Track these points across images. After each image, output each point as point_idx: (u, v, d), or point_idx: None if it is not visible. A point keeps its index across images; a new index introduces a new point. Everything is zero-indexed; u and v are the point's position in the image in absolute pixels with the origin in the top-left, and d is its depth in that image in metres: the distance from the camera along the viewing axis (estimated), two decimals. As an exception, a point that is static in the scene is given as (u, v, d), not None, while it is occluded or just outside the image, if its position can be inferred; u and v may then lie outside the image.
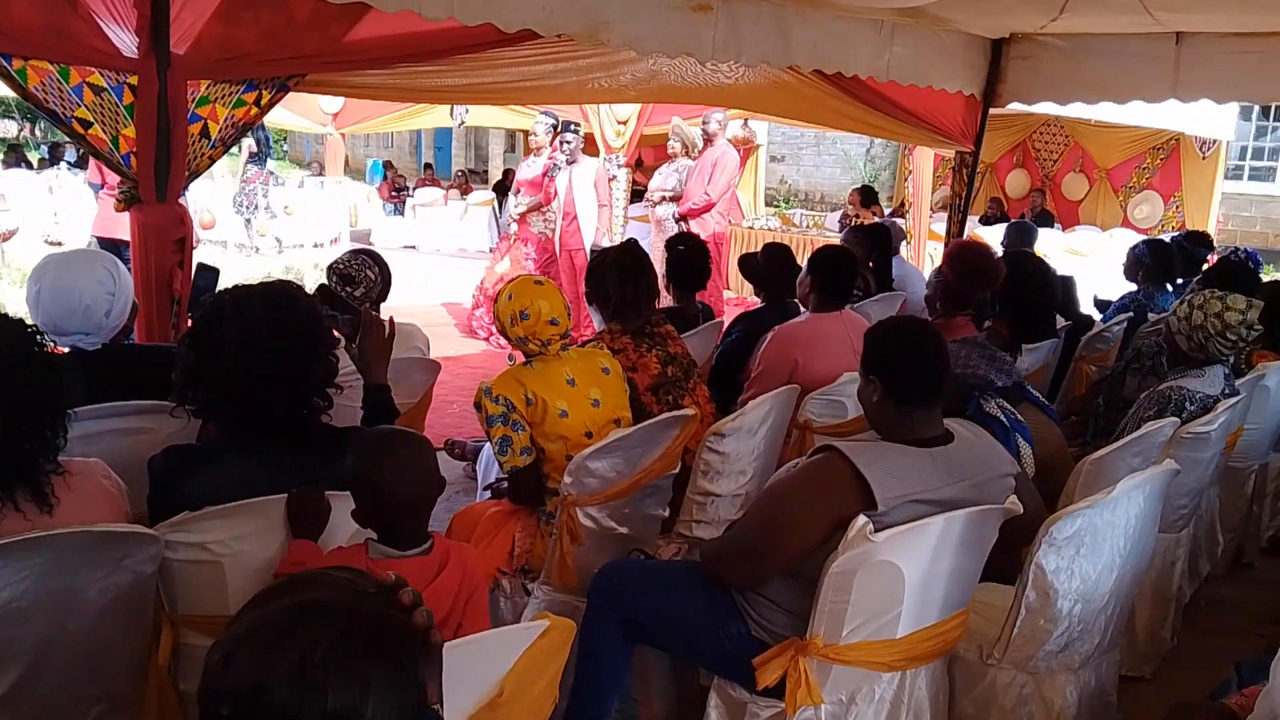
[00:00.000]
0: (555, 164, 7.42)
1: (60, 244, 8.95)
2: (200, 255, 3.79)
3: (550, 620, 1.60)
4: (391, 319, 2.59)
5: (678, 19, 3.93)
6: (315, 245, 10.75)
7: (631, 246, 3.44)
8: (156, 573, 1.87)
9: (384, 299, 3.48)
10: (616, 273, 3.22)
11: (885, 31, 4.84)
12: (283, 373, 1.95)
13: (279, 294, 2.03)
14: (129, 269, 2.87)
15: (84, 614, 1.73)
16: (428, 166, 17.98)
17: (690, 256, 4.23)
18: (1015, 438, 2.79)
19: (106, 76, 2.89)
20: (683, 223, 7.49)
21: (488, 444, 3.77)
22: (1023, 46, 5.52)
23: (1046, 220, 11.38)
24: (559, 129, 7.51)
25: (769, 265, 4.34)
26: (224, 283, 3.62)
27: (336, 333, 2.20)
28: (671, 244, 4.32)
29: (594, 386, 2.79)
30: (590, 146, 7.70)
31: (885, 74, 4.90)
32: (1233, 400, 3.12)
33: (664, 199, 7.75)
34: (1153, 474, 2.35)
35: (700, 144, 7.70)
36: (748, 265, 4.58)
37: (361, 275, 3.36)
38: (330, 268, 3.41)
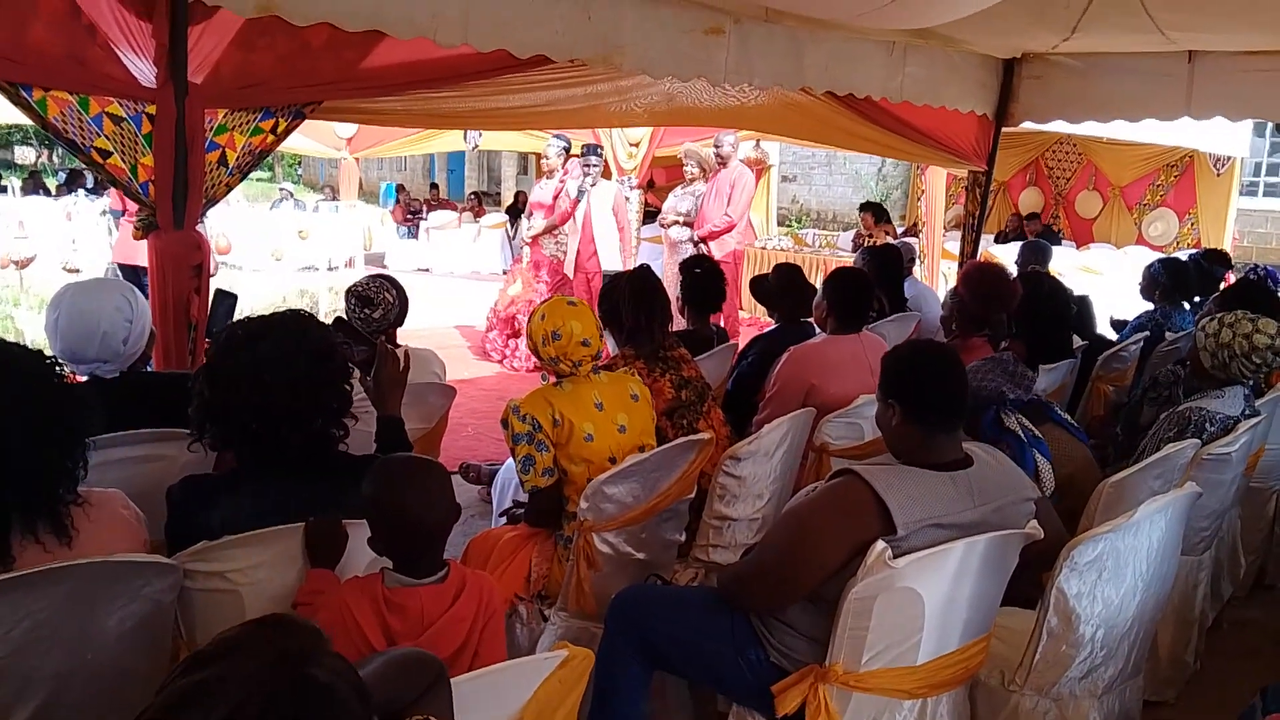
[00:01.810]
0: (566, 189, 7.44)
1: (78, 271, 9.00)
2: (218, 281, 3.82)
3: (569, 650, 1.60)
4: (406, 351, 2.60)
5: (690, 42, 3.95)
6: (330, 268, 10.80)
7: (644, 271, 3.44)
8: (175, 602, 1.87)
9: (401, 323, 3.50)
10: (629, 297, 3.22)
11: (897, 52, 4.86)
12: (296, 407, 1.96)
13: (292, 326, 2.03)
14: (148, 295, 2.90)
15: (103, 644, 1.73)
16: (434, 186, 18.05)
17: (706, 279, 4.23)
18: (1032, 453, 2.78)
19: (125, 106, 2.92)
20: (702, 245, 7.51)
21: (503, 468, 3.80)
22: (1035, 66, 5.54)
23: (1051, 239, 11.34)
24: (583, 152, 7.56)
25: (781, 287, 4.33)
26: (243, 307, 3.66)
27: (351, 363, 2.20)
28: (687, 267, 4.32)
29: (621, 411, 2.78)
30: (603, 169, 7.74)
31: (899, 95, 4.92)
32: (1253, 421, 3.09)
33: (676, 222, 7.77)
34: (1174, 497, 2.33)
35: (715, 164, 7.73)
36: (759, 288, 4.57)
37: (380, 298, 3.38)
38: (349, 291, 3.44)
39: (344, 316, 3.39)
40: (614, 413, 2.76)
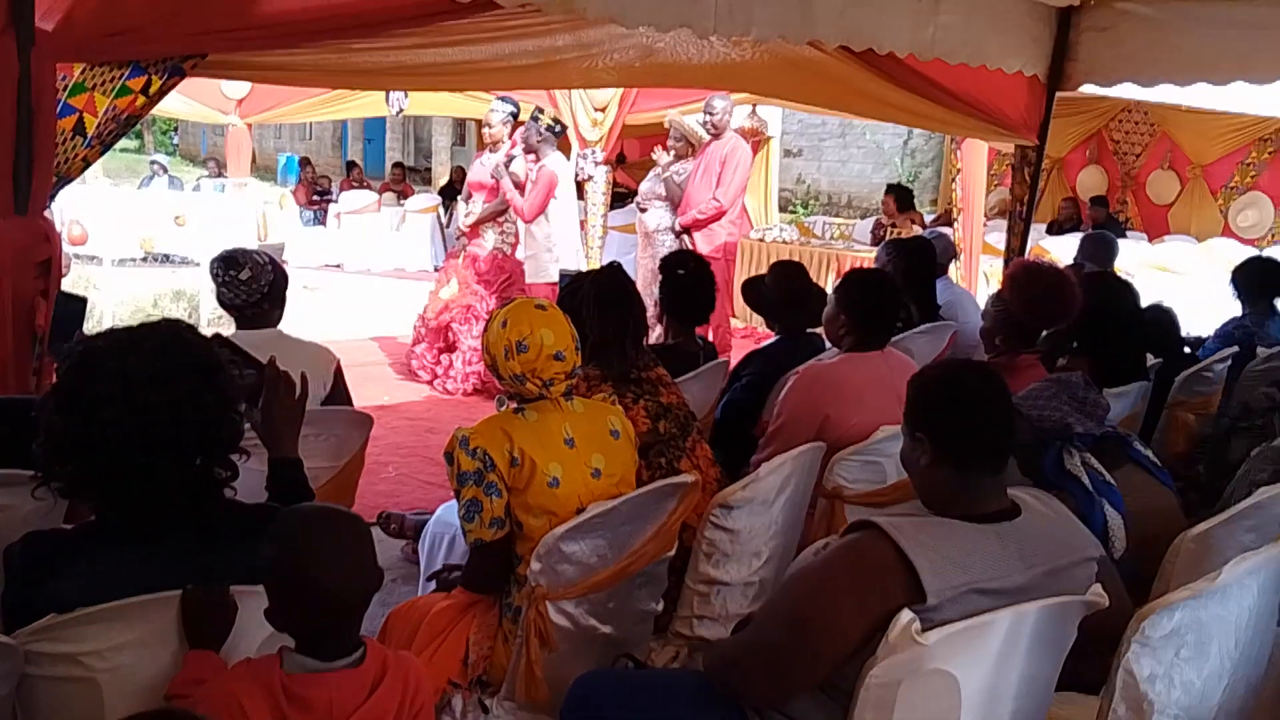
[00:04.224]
0: (513, 165, 7.45)
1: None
2: (73, 275, 3.80)
3: (517, 752, 1.60)
4: (304, 375, 2.58)
5: (670, -18, 3.97)
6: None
7: (613, 271, 3.45)
8: (14, 694, 1.85)
9: (278, 302, 3.61)
10: (594, 305, 3.22)
11: (927, -1, 4.91)
12: (175, 438, 1.94)
13: (166, 338, 2.01)
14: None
15: (-80, 750, 1.71)
16: (351, 165, 18.00)
17: (691, 283, 4.25)
18: (1101, 505, 2.80)
19: (-45, 60, 2.90)
20: (684, 236, 7.53)
21: (432, 519, 3.79)
22: (1097, 15, 5.59)
23: (1115, 229, 11.50)
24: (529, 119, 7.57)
25: (779, 291, 4.36)
26: (103, 312, 3.64)
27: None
28: (668, 266, 4.33)
29: (598, 452, 2.78)
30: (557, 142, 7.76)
31: (930, 50, 4.96)
32: (1367, 458, 3.14)
33: (653, 207, 7.83)
34: (1271, 554, 2.36)
35: (706, 138, 7.78)
36: (753, 292, 4.59)
37: (247, 258, 3.52)
38: (212, 260, 3.57)
39: (223, 334, 3.39)
40: (588, 453, 2.76)
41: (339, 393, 3.72)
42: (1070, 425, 2.89)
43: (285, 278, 3.65)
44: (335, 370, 3.72)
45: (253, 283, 3.50)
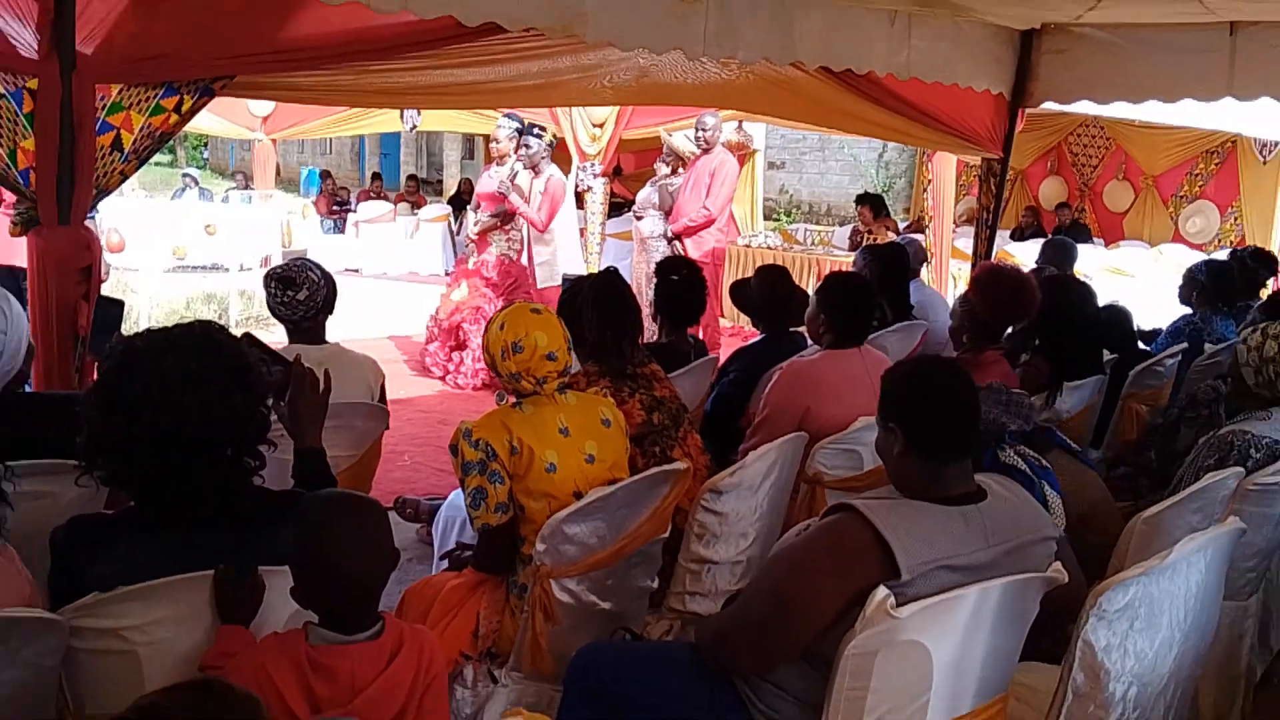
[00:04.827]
0: (517, 177, 7.45)
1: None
2: (112, 280, 3.80)
3: (523, 718, 1.60)
4: (327, 372, 2.59)
5: (663, 9, 3.97)
6: (242, 269, 10.72)
7: (610, 276, 3.45)
8: (59, 666, 1.85)
9: (330, 311, 3.56)
10: (593, 307, 3.23)
11: (900, 23, 4.91)
12: (208, 437, 1.94)
13: (200, 340, 2.01)
14: (24, 303, 2.87)
15: (-28, 717, 1.72)
16: (376, 177, 17.97)
17: (685, 288, 4.24)
18: (1042, 486, 2.81)
19: (4, 80, 2.89)
20: (676, 242, 7.54)
21: (445, 504, 3.79)
22: (1057, 39, 5.62)
23: (1080, 233, 11.54)
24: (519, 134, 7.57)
25: (764, 293, 4.36)
26: (140, 315, 3.64)
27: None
28: (663, 271, 4.33)
29: (591, 439, 2.79)
30: (562, 152, 7.75)
31: (905, 71, 4.97)
32: (1305, 446, 3.14)
33: (648, 215, 7.83)
34: (1216, 534, 2.36)
35: (696, 153, 7.80)
36: (740, 294, 4.60)
37: (303, 277, 3.44)
38: (266, 276, 3.51)
39: (253, 333, 3.37)
40: (581, 440, 2.77)
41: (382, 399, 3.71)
42: (1005, 424, 2.90)
43: (335, 288, 3.60)
44: (381, 384, 3.71)
45: (309, 301, 3.45)
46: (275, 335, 3.70)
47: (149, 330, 2.05)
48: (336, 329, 3.66)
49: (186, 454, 1.93)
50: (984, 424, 2.84)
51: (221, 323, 2.19)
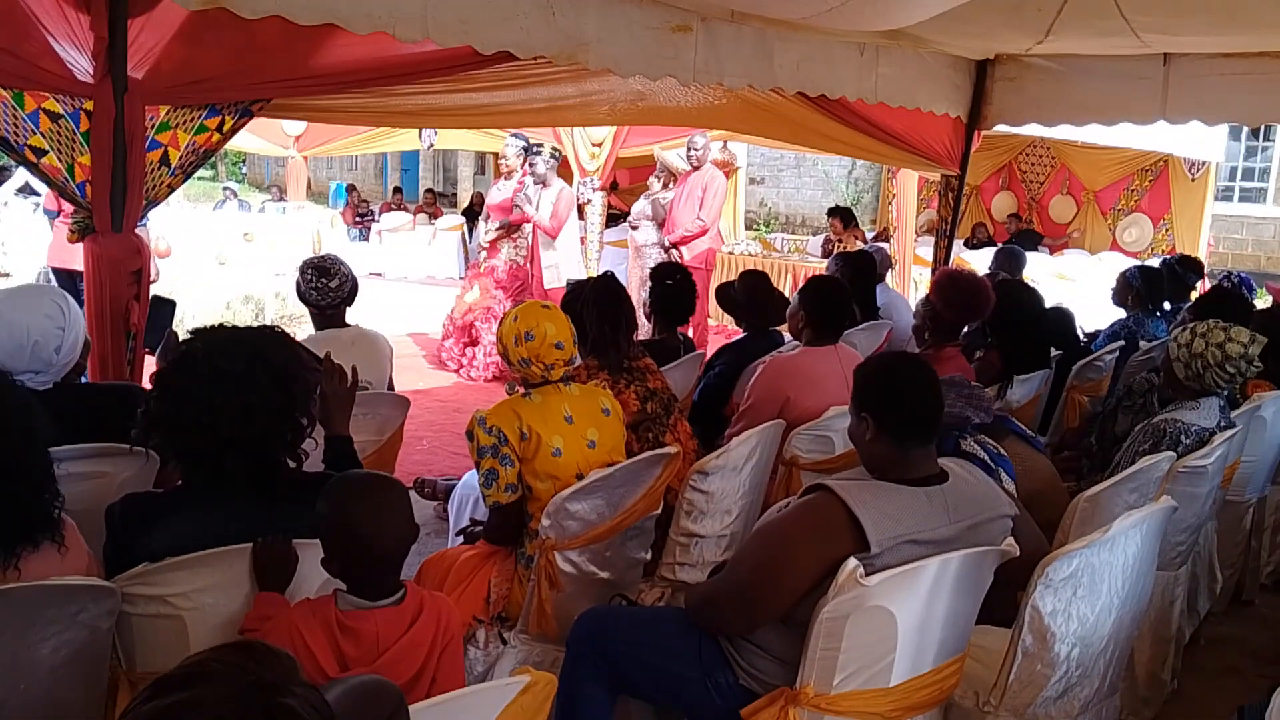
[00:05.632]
0: (525, 190, 7.44)
1: (8, 275, 8.82)
2: (158, 287, 3.80)
3: (531, 675, 1.59)
4: (355, 368, 2.58)
5: (657, 40, 3.96)
6: (276, 274, 10.68)
7: (608, 279, 3.45)
8: (113, 628, 1.85)
9: (352, 301, 3.66)
10: (593, 308, 3.22)
11: (869, 53, 4.91)
12: (246, 433, 1.93)
13: (252, 347, 1.99)
14: (81, 303, 2.86)
15: (36, 674, 1.70)
16: (397, 190, 17.91)
17: (677, 291, 4.23)
18: (999, 473, 2.81)
19: (62, 102, 2.88)
20: (672, 250, 7.54)
21: (460, 483, 3.78)
22: (1008, 68, 5.63)
23: (1031, 240, 11.55)
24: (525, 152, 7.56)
25: (747, 295, 4.36)
26: (183, 314, 3.63)
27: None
28: (658, 276, 4.32)
29: (592, 426, 2.79)
30: (563, 169, 7.74)
31: (873, 96, 4.98)
32: (1229, 432, 3.14)
33: (642, 225, 7.82)
34: (1150, 511, 2.37)
35: (687, 169, 7.80)
36: (725, 296, 4.59)
37: (336, 269, 3.56)
38: (303, 265, 3.62)
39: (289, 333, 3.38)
40: (584, 427, 2.77)
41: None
42: (969, 417, 2.89)
43: (358, 283, 3.70)
44: (390, 354, 3.83)
45: (340, 289, 3.56)
46: (305, 331, 3.71)
47: (215, 326, 2.05)
48: (363, 324, 3.67)
49: (224, 446, 1.92)
50: (949, 416, 2.85)
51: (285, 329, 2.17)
